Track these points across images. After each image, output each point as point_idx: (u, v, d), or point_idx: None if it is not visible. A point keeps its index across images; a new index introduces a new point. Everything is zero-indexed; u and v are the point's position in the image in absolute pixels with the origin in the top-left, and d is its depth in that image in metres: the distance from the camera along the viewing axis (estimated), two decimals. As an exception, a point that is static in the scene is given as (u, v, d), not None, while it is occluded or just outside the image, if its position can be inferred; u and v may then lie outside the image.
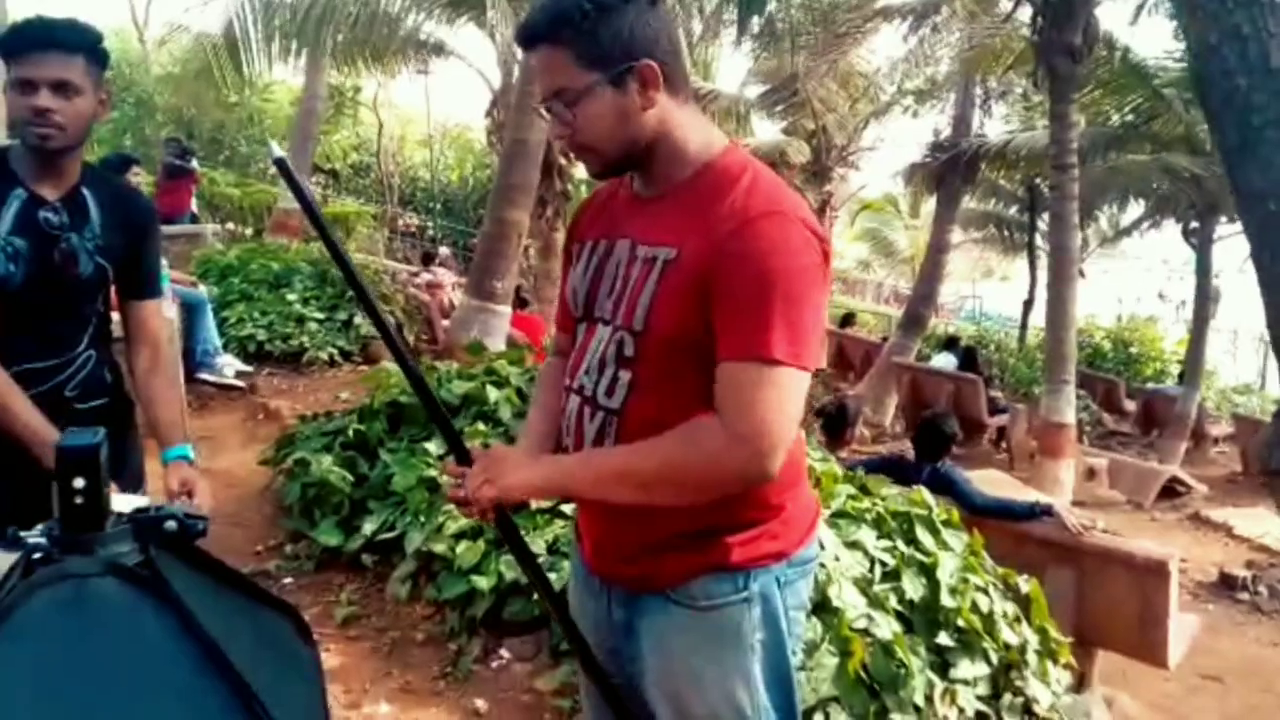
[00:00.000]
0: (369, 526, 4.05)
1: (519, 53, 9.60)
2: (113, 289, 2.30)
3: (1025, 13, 9.97)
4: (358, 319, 8.17)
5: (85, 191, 2.18)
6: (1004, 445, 11.20)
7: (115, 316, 2.36)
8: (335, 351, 7.96)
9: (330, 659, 3.35)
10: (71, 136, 2.08)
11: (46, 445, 1.94)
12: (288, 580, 4.03)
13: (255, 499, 4.89)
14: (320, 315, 8.22)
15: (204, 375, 6.84)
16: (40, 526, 1.48)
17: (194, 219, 12.65)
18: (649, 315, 1.51)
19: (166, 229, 11.39)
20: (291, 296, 8.28)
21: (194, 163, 12.32)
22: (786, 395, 1.41)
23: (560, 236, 10.50)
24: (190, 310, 6.75)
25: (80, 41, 2.06)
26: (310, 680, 1.57)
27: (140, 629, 1.33)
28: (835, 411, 5.71)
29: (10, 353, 2.11)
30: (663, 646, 1.63)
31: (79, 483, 1.39)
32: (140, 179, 7.55)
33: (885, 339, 14.95)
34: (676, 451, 1.46)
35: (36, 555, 1.41)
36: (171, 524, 1.46)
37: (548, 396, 1.79)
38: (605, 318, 1.60)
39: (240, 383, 7.02)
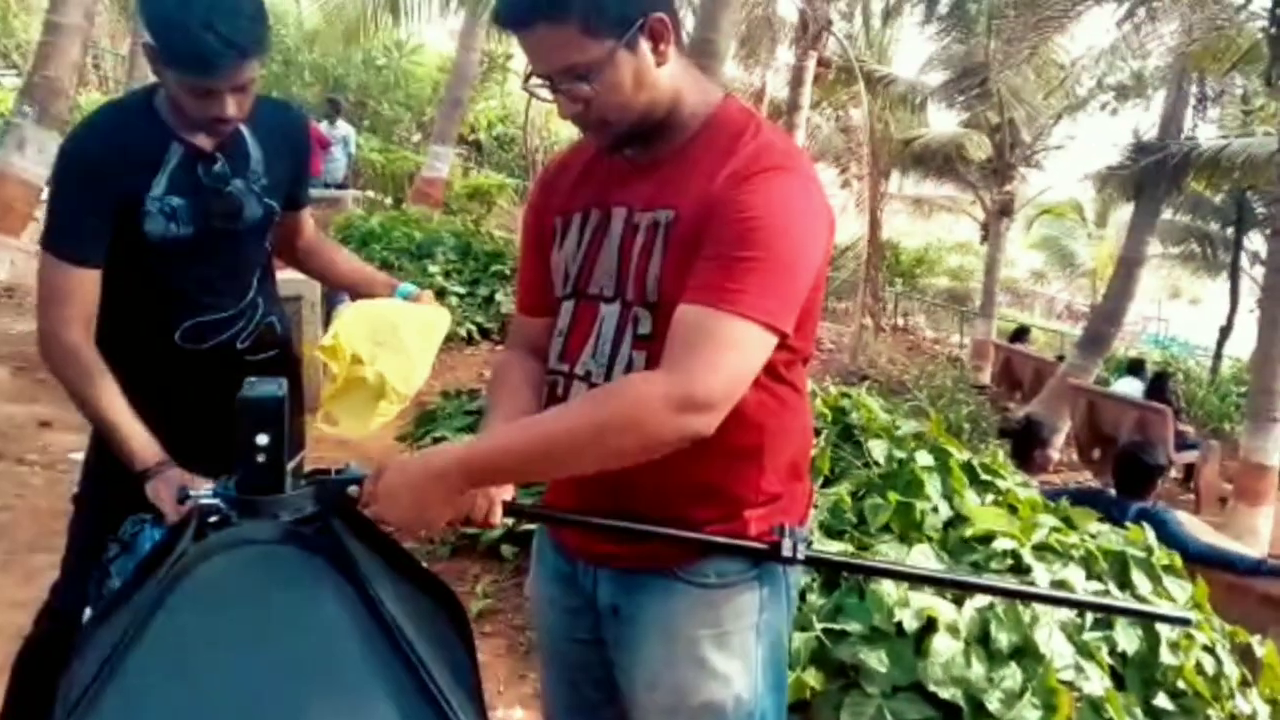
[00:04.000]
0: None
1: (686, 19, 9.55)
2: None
3: (1262, 2, 9.38)
4: (499, 295, 8.22)
5: (242, 128, 2.06)
6: (1191, 485, 10.64)
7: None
8: (475, 328, 8.03)
9: (466, 654, 3.31)
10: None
11: (145, 456, 1.90)
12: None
13: (391, 476, 4.92)
14: (461, 289, 8.32)
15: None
16: (213, 484, 1.44)
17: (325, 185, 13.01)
18: (661, 285, 1.46)
19: (324, 193, 11.81)
20: (433, 268, 8.40)
21: (338, 125, 12.66)
22: (745, 354, 1.37)
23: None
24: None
25: (262, 40, 1.90)
26: (469, 668, 1.52)
27: (319, 602, 1.28)
28: (1022, 428, 5.35)
29: (174, 307, 2.09)
30: (667, 630, 1.56)
31: (262, 439, 1.35)
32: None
33: (1060, 358, 14.38)
34: (600, 410, 1.37)
35: (211, 518, 1.38)
36: (354, 489, 1.43)
37: (511, 399, 1.64)
38: (606, 295, 1.54)
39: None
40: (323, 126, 12.99)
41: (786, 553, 1.49)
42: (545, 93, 1.47)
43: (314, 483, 1.42)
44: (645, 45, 1.43)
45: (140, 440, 1.91)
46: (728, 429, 1.39)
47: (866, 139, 12.87)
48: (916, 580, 2.80)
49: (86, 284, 1.97)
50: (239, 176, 2.06)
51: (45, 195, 2.03)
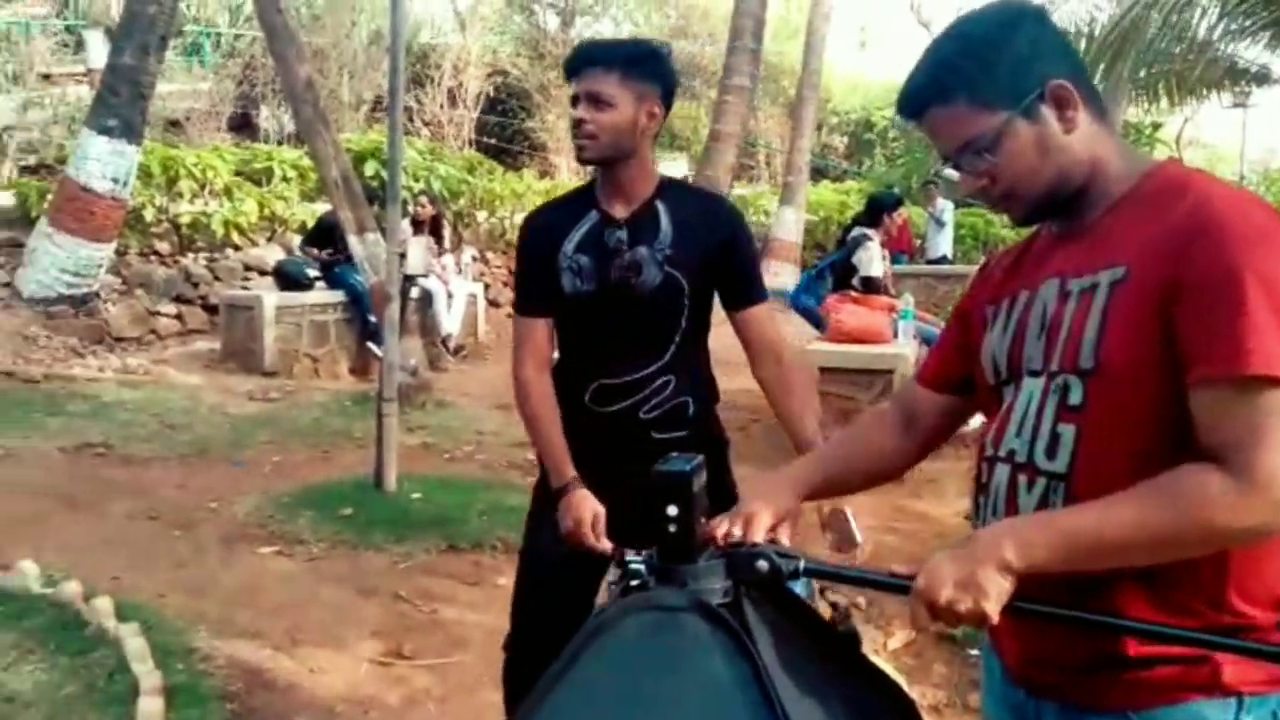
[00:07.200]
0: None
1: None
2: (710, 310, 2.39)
3: None
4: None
5: (659, 205, 2.30)
6: None
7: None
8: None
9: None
10: (606, 146, 2.23)
11: (559, 474, 2.21)
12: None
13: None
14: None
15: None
16: (646, 551, 1.53)
17: (945, 259, 13.27)
18: (1100, 348, 1.30)
19: (926, 268, 12.21)
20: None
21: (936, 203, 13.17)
22: None
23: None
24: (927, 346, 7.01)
25: (613, 57, 2.23)
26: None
27: (711, 673, 1.31)
28: None
29: (587, 367, 2.32)
30: None
31: (671, 511, 1.41)
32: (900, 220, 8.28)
33: None
34: (1158, 510, 1.20)
35: (634, 581, 1.48)
36: (763, 564, 1.43)
37: (854, 445, 1.73)
38: (1035, 369, 1.41)
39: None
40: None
41: None
42: (955, 174, 1.45)
43: (725, 555, 1.44)
44: (1049, 113, 1.36)
45: (556, 460, 2.22)
46: None
47: None
48: None
49: (535, 330, 2.33)
50: (643, 244, 2.27)
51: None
